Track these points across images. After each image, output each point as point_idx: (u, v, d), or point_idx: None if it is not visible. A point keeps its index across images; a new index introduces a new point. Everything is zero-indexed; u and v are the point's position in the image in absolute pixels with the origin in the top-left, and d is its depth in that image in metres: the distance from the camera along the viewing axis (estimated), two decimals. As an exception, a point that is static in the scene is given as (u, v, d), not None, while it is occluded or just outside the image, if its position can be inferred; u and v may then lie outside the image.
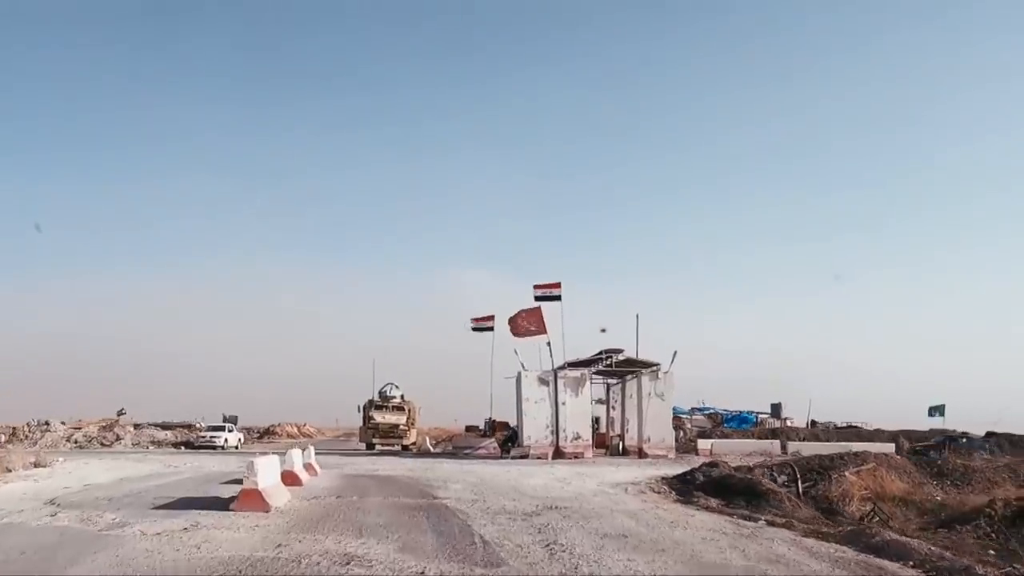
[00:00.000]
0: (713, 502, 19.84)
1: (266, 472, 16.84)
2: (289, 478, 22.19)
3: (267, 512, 15.71)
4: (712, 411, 73.23)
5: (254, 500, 15.88)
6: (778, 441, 48.05)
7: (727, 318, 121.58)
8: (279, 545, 12.14)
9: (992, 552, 14.38)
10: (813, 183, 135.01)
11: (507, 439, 45.41)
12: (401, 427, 53.70)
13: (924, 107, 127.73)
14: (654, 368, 43.47)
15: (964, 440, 50.36)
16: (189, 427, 63.45)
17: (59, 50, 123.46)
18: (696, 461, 38.80)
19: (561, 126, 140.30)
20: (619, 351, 43.36)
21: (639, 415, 43.18)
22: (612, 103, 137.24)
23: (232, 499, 16.43)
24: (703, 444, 47.36)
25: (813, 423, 71.98)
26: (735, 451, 44.24)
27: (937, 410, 60.39)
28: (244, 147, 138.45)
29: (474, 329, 50.62)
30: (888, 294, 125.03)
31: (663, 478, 28.22)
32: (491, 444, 47.68)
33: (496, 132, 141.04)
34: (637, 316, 45.21)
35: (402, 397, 55.20)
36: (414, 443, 54.90)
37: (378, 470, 31.24)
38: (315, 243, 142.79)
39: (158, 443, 57.66)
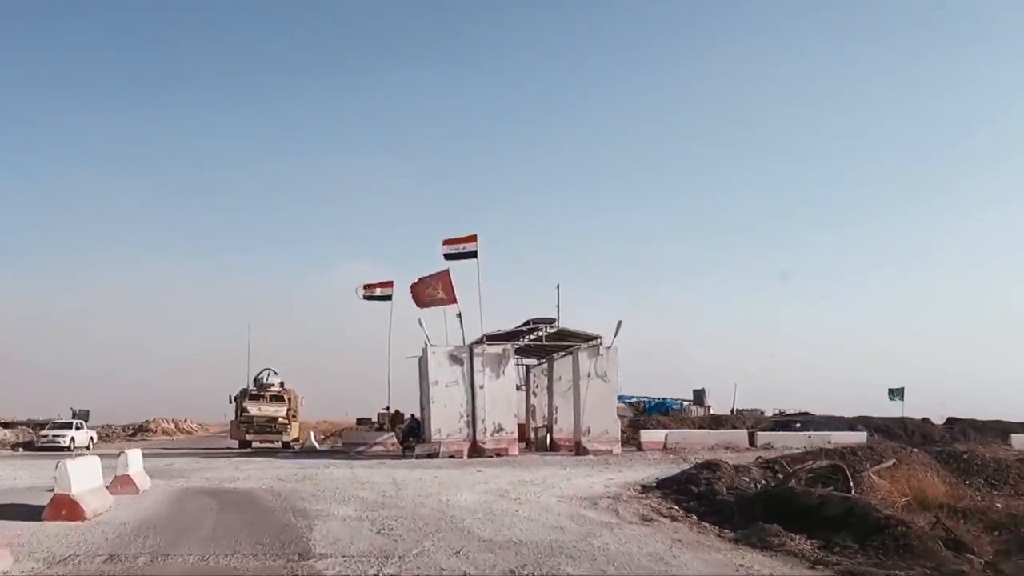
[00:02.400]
0: (806, 544, 11.32)
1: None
2: (61, 507, 13.18)
3: None
4: (633, 399, 66.15)
5: None
6: (743, 431, 39.94)
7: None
8: None
9: None
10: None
11: (408, 432, 36.16)
12: (280, 420, 44.75)
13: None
14: (594, 342, 34.94)
15: (798, 425, 43.70)
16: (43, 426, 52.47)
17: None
18: (657, 459, 31.01)
19: (455, 118, 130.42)
20: (550, 320, 34.75)
21: (576, 401, 34.58)
22: (525, 89, 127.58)
23: None
24: (651, 436, 38.76)
25: (739, 411, 65.90)
26: (694, 444, 36.22)
27: (896, 393, 54.24)
28: (122, 141, 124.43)
29: (366, 297, 41.18)
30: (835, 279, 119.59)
31: (644, 486, 20.07)
32: (389, 439, 38.65)
33: (382, 126, 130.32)
34: (558, 287, 36.44)
35: (282, 385, 46.21)
36: (296, 439, 46.16)
37: (237, 480, 22.14)
38: (199, 236, 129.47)
39: (-8, 444, 47.42)
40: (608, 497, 17.81)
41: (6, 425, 53.99)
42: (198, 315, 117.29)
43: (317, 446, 46.02)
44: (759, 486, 19.26)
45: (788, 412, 63.49)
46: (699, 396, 69.21)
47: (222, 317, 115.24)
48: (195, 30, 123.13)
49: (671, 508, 16.00)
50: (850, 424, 51.57)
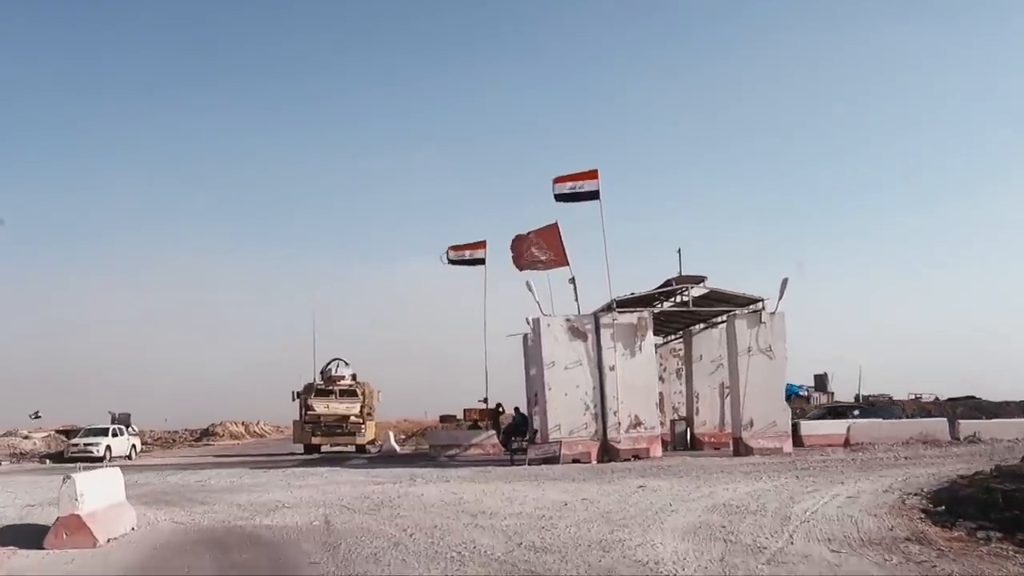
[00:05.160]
0: None
1: None
2: None
3: None
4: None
5: None
6: (942, 421, 31.10)
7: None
8: None
9: None
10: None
11: (512, 431, 28.28)
12: (353, 419, 37.44)
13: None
14: (755, 307, 26.62)
15: (856, 413, 34.29)
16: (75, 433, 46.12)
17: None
18: (850, 461, 22.49)
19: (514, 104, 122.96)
20: (699, 279, 26.48)
21: (735, 384, 26.16)
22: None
23: None
24: (818, 429, 29.54)
25: (866, 398, 57.63)
26: (882, 439, 27.50)
27: None
28: (180, 145, 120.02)
29: (452, 262, 33.37)
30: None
31: (927, 512, 12.28)
32: (489, 440, 30.89)
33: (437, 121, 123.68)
34: (679, 251, 27.95)
35: (354, 377, 38.87)
36: (372, 441, 38.88)
37: (277, 509, 14.32)
38: (258, 234, 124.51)
39: (20, 455, 40.83)
40: (910, 540, 9.93)
41: (66, 433, 47.57)
42: (267, 314, 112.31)
43: (397, 449, 38.75)
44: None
45: (956, 397, 55.58)
46: (821, 382, 61.35)
47: (290, 314, 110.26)
48: (245, 33, 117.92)
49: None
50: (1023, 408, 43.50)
